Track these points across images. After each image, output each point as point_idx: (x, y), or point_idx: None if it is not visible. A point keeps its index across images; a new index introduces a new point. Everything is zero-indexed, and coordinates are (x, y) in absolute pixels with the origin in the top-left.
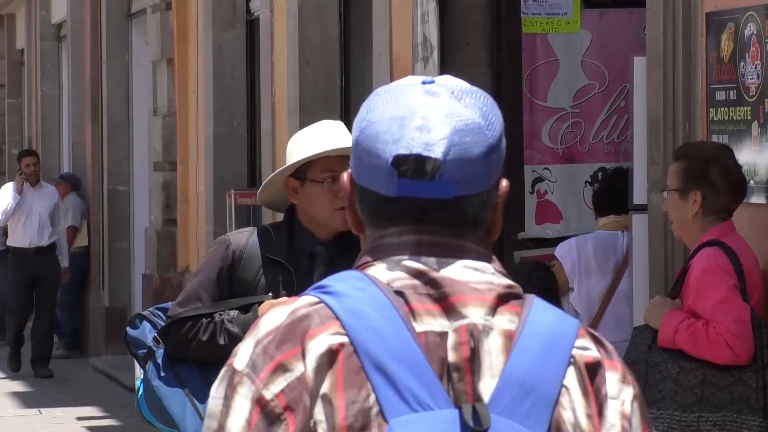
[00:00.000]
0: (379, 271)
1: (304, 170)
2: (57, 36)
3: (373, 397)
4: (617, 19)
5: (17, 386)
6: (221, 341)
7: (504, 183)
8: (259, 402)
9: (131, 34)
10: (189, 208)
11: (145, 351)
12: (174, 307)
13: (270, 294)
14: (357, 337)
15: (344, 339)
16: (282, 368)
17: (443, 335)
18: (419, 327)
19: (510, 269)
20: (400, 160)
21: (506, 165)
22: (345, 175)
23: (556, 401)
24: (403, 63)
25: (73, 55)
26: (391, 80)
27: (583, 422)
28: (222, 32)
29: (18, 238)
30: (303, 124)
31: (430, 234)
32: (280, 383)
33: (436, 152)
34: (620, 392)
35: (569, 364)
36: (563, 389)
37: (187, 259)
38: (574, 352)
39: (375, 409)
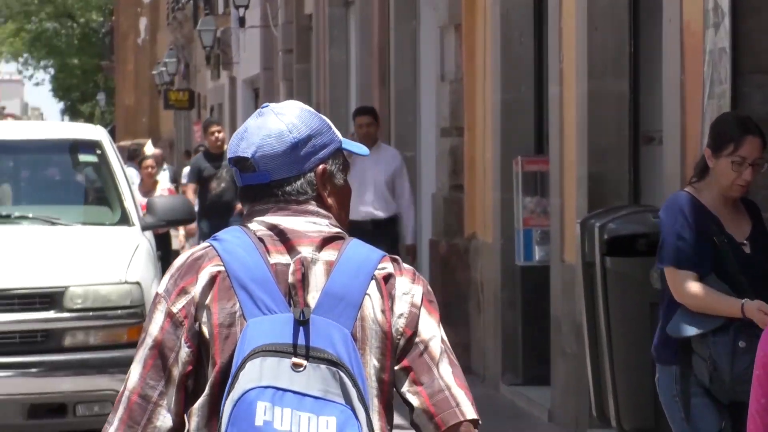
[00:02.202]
0: (252, 225)
1: None
2: (345, 1)
3: (237, 305)
4: None
5: None
6: None
7: (321, 167)
8: (170, 314)
9: None
10: (476, 174)
11: None
12: None
13: None
14: (229, 267)
15: (221, 268)
16: (184, 291)
17: (287, 265)
18: (272, 260)
19: None
20: (233, 161)
21: None
22: None
23: (361, 304)
24: (693, 29)
25: (361, 20)
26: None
27: (379, 315)
28: None
29: (352, 210)
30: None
31: (283, 203)
32: (182, 301)
33: (248, 153)
34: (411, 289)
35: (372, 279)
36: (367, 296)
37: (473, 225)
38: (376, 272)
39: (238, 313)
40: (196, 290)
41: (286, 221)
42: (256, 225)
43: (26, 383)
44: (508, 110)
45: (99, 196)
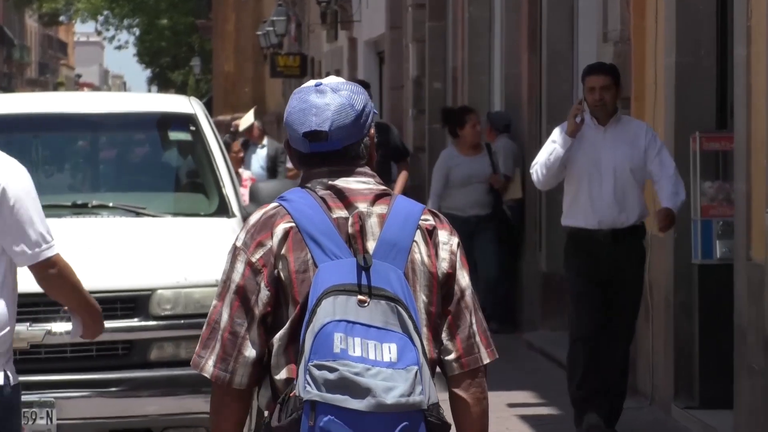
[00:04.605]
0: (312, 186)
1: None
2: None
3: (309, 254)
4: None
5: None
6: None
7: (372, 131)
8: (249, 263)
9: None
10: None
11: None
12: None
13: None
14: (299, 223)
15: (293, 224)
16: (261, 244)
17: (346, 219)
18: (334, 215)
19: None
20: (306, 134)
21: None
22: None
23: (410, 249)
24: None
25: None
26: None
27: (426, 259)
28: None
29: (579, 214)
30: None
31: (336, 166)
32: (260, 252)
33: (325, 127)
34: (449, 239)
35: (417, 228)
36: (414, 243)
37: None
38: (420, 222)
39: (310, 261)
40: (273, 243)
41: (342, 182)
42: (316, 186)
43: (105, 405)
44: (683, 76)
45: (193, 182)
